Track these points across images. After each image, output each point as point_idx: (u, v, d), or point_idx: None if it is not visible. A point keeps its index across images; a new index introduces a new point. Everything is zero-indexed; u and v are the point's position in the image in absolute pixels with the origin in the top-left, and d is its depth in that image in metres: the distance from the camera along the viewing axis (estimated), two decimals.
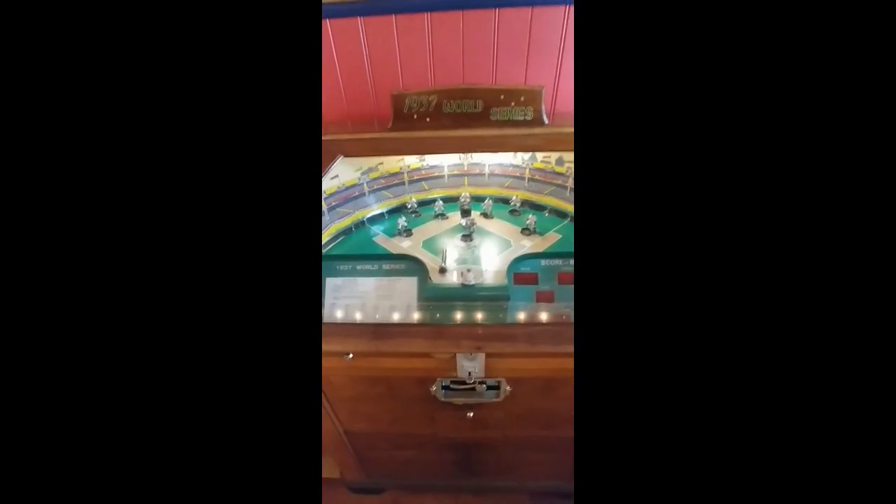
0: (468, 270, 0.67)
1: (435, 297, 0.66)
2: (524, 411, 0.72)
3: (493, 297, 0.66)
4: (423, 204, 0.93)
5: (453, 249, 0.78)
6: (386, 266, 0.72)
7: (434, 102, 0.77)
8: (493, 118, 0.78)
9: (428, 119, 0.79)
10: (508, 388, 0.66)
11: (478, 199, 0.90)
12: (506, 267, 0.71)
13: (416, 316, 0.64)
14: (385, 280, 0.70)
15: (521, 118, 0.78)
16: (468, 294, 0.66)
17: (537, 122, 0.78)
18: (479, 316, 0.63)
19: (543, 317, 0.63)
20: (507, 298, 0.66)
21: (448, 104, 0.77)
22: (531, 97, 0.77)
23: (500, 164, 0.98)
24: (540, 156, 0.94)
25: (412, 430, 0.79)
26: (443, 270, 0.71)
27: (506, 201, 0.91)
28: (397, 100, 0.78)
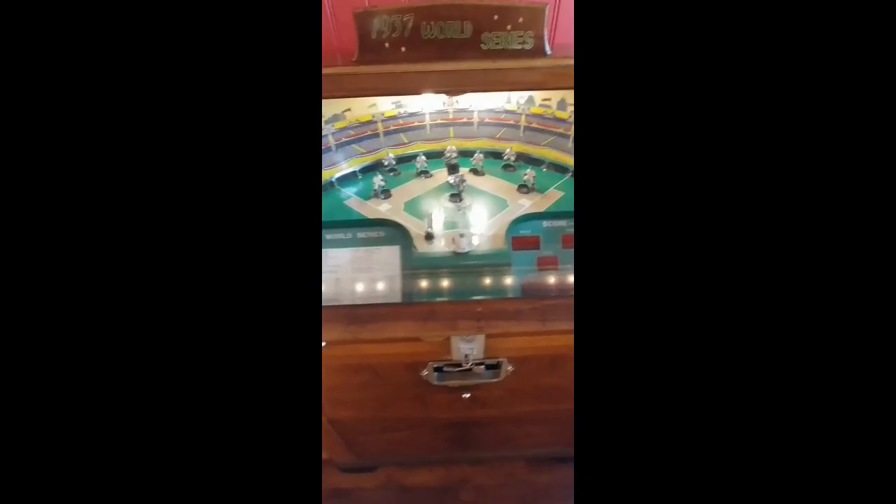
0: (460, 235, 0.59)
1: (422, 269, 0.58)
2: (528, 388, 0.66)
3: (491, 266, 0.57)
4: (403, 160, 0.82)
5: (441, 212, 0.69)
6: (361, 234, 0.63)
7: (410, 25, 0.62)
8: (484, 46, 0.63)
9: (403, 48, 0.63)
10: (511, 367, 0.58)
11: (466, 154, 0.80)
12: (504, 230, 0.63)
13: (400, 292, 0.55)
14: (361, 251, 0.61)
15: (519, 46, 0.64)
16: (462, 263, 0.58)
17: (539, 51, 0.64)
18: (478, 290, 0.54)
19: (553, 287, 0.55)
20: (509, 266, 0.57)
21: (428, 27, 0.62)
22: (531, 18, 0.62)
23: (492, 111, 0.85)
24: (539, 98, 0.81)
25: (403, 414, 0.74)
26: (430, 237, 0.62)
27: (498, 155, 0.81)
28: (362, 21, 0.61)
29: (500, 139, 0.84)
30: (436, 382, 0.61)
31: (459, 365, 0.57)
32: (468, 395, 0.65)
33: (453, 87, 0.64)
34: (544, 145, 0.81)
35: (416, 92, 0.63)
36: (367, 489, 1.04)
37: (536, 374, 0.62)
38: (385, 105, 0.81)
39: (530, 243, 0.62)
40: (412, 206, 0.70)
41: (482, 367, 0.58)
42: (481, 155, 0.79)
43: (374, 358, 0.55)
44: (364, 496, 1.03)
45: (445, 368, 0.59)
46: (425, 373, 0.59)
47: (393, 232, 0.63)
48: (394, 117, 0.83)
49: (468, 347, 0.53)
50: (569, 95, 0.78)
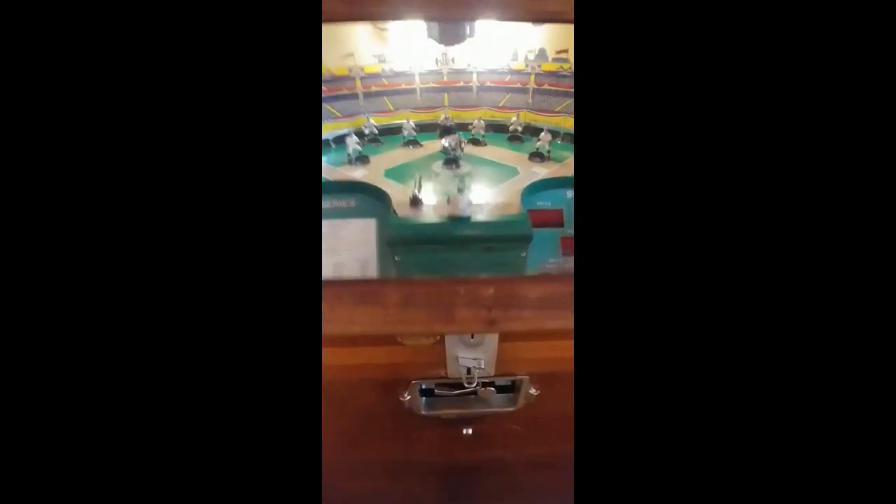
0: (458, 191, 0.44)
1: (405, 240, 0.43)
2: (551, 419, 0.47)
3: (505, 238, 0.43)
4: (387, 132, 0.68)
5: (432, 177, 0.54)
6: (327, 203, 0.48)
7: None
8: None
9: None
10: (534, 389, 0.40)
11: (464, 128, 0.67)
12: (517, 198, 0.49)
13: (377, 268, 0.41)
14: (325, 225, 0.45)
15: None
16: (461, 234, 0.43)
17: None
18: (484, 265, 0.38)
19: None
20: (529, 239, 0.43)
21: None
22: None
23: (494, 72, 0.72)
24: (552, 51, 0.68)
25: (378, 457, 0.55)
26: (416, 201, 0.47)
27: (502, 128, 0.68)
28: None
29: (504, 107, 0.71)
30: (423, 412, 0.43)
31: (458, 385, 0.39)
32: (470, 432, 0.46)
33: (447, 11, 0.50)
34: (558, 111, 0.67)
35: (399, 17, 0.49)
36: None
37: (565, 398, 0.44)
38: (365, 57, 0.68)
39: (551, 219, 0.48)
40: (395, 173, 0.55)
41: (491, 388, 0.40)
42: (482, 122, 0.65)
43: (327, 372, 0.37)
44: None
45: (437, 390, 0.41)
46: (407, 396, 0.40)
47: (368, 201, 0.49)
48: (376, 75, 0.69)
49: (471, 358, 0.36)
50: None
